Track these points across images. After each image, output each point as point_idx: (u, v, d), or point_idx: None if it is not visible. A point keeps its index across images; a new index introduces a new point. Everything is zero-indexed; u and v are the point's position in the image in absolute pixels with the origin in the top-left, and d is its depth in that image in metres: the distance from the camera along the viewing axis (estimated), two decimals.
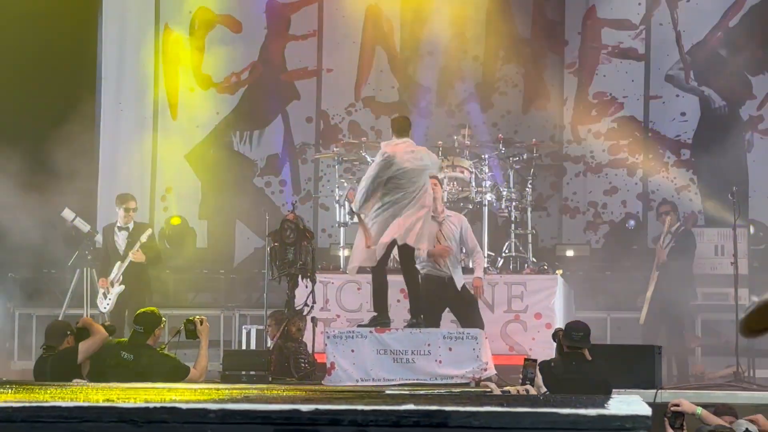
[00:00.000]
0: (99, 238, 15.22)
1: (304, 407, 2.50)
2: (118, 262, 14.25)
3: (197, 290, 16.96)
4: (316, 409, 2.47)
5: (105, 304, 14.20)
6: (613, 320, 15.43)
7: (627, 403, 2.71)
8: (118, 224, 14.39)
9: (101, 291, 14.23)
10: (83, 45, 18.14)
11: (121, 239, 14.34)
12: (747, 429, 7.21)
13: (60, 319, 13.71)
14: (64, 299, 14.93)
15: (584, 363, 10.34)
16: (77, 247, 15.14)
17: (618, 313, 15.55)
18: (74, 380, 10.01)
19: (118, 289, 14.14)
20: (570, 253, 16.18)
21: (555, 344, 10.97)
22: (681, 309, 14.01)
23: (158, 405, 2.53)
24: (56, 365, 10.41)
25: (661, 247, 14.28)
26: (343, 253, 14.31)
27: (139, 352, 10.18)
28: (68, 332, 10.66)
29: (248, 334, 14.43)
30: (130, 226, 14.37)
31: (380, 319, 11.97)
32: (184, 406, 2.53)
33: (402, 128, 11.97)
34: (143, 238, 14.23)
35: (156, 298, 15.81)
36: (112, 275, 14.18)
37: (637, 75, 17.48)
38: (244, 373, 12.07)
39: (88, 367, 10.44)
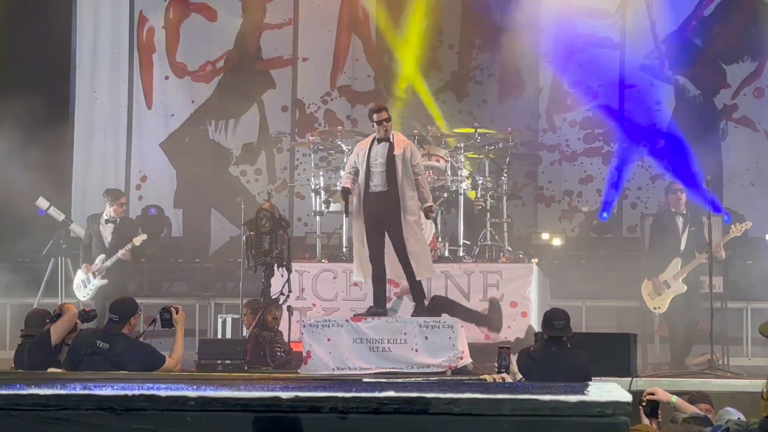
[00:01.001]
0: (74, 227, 15.17)
1: (284, 394, 2.49)
2: (102, 255, 14.26)
3: (172, 279, 16.91)
4: (296, 396, 2.46)
5: (84, 293, 14.20)
6: (588, 309, 15.47)
7: (607, 389, 2.72)
8: (106, 217, 14.39)
9: (81, 278, 14.22)
10: (57, 33, 18.05)
11: (107, 232, 14.38)
12: (729, 420, 7.23)
13: (36, 307, 13.65)
14: (39, 288, 14.87)
15: (565, 350, 10.36)
16: (51, 236, 15.08)
17: (593, 301, 15.58)
18: (49, 369, 9.97)
19: (100, 282, 14.17)
20: (545, 235, 16.19)
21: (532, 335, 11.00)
22: (696, 296, 13.76)
23: (137, 392, 2.51)
24: (32, 352, 10.37)
25: (720, 245, 13.70)
26: (318, 242, 14.28)
27: (115, 341, 10.12)
28: (47, 320, 10.61)
29: (224, 323, 14.40)
30: (118, 220, 14.43)
31: (376, 309, 12.03)
32: (163, 393, 2.52)
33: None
34: (137, 242, 14.30)
35: (131, 287, 15.80)
36: (96, 266, 14.20)
37: (612, 64, 17.51)
38: (219, 362, 12.06)
39: (65, 355, 10.40)
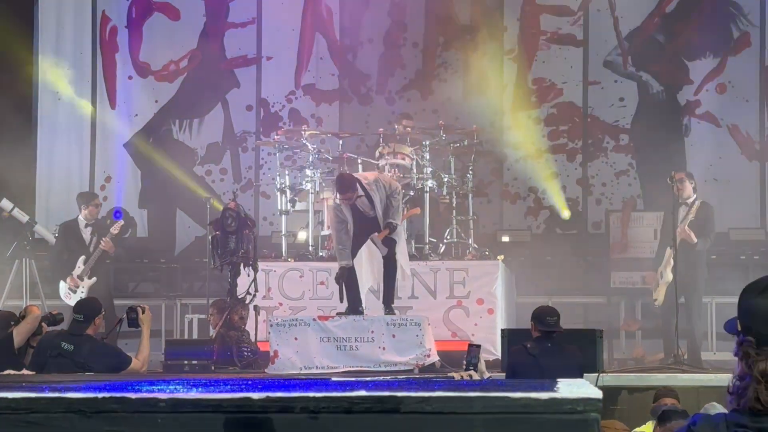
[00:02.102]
0: (38, 228, 15.11)
1: (256, 395, 2.49)
2: (82, 257, 14.33)
3: (138, 280, 16.85)
4: (268, 396, 2.46)
5: (77, 297, 14.22)
6: (554, 304, 15.44)
7: (577, 386, 2.73)
8: (84, 221, 14.50)
9: (67, 287, 14.26)
10: (19, 33, 17.92)
11: (87, 234, 14.51)
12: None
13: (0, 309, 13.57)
14: (3, 290, 14.77)
15: (560, 346, 10.41)
16: (15, 237, 15.00)
17: (559, 297, 15.62)
18: (6, 371, 9.83)
19: (90, 281, 14.26)
20: (523, 239, 16.23)
21: (498, 331, 11.00)
22: (696, 290, 13.68)
23: (107, 395, 2.50)
24: None
25: (684, 229, 13.50)
26: (284, 241, 14.26)
27: (80, 342, 10.06)
28: (12, 322, 10.53)
29: (190, 323, 14.39)
30: (94, 221, 14.57)
31: (353, 309, 12.05)
32: (133, 395, 2.51)
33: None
34: (114, 230, 14.40)
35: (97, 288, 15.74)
36: (78, 270, 14.26)
37: (575, 61, 17.57)
38: (186, 362, 12.03)
39: (29, 357, 10.32)
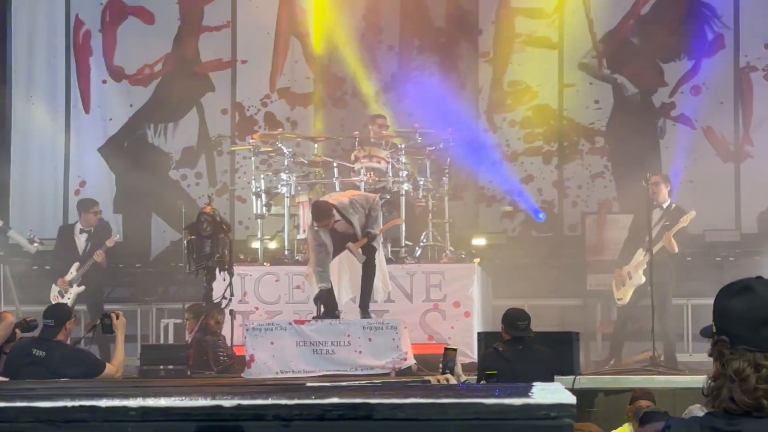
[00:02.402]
0: (12, 233, 15.05)
1: (227, 403, 2.47)
2: (76, 263, 14.41)
3: (113, 285, 16.75)
4: (239, 404, 2.43)
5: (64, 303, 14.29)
6: (530, 307, 15.46)
7: (551, 391, 2.71)
8: (81, 227, 14.57)
9: (56, 290, 14.37)
10: None
11: (81, 241, 14.64)
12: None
13: None
14: None
15: (532, 349, 10.41)
16: None
17: (535, 300, 15.64)
18: None
19: (78, 289, 14.37)
20: (499, 241, 16.26)
21: (475, 335, 11.01)
22: (667, 292, 13.76)
23: (77, 404, 2.48)
24: None
25: (670, 239, 13.62)
26: (261, 245, 14.22)
27: (51, 348, 9.97)
28: None
29: (166, 328, 14.35)
30: (92, 229, 14.66)
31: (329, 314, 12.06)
32: (103, 404, 2.49)
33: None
34: (109, 244, 14.70)
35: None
36: (70, 276, 14.36)
37: (551, 63, 17.59)
38: (162, 367, 12.00)
39: (2, 365, 10.23)
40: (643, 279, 13.66)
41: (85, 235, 14.84)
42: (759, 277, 3.20)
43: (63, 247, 14.94)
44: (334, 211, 11.94)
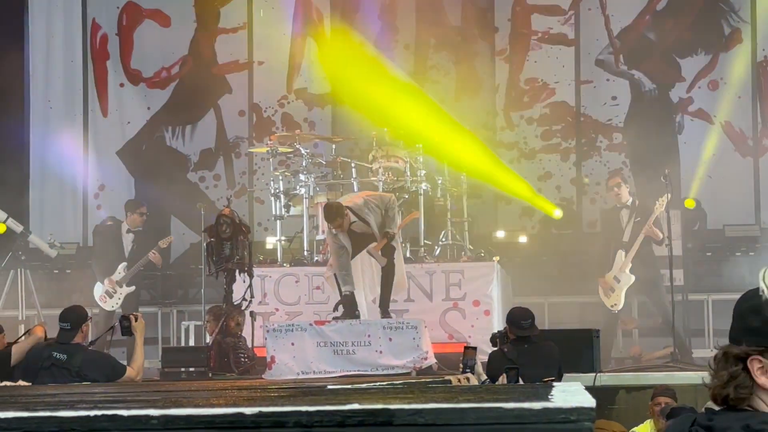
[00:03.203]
0: (32, 238, 15.11)
1: (248, 410, 2.48)
2: (124, 263, 14.57)
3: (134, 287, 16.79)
4: (260, 411, 2.45)
5: (113, 303, 14.54)
6: (550, 305, 15.53)
7: (571, 393, 2.72)
8: (128, 227, 14.71)
9: (103, 290, 14.51)
10: (10, 42, 17.92)
11: (128, 241, 14.80)
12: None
13: None
14: None
15: (536, 345, 10.41)
16: (10, 247, 14.99)
17: (555, 297, 15.65)
18: (2, 382, 9.78)
19: (128, 289, 14.54)
20: (518, 239, 16.24)
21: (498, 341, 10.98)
22: (657, 286, 13.85)
23: (99, 413, 2.50)
24: None
25: (651, 227, 13.83)
26: (280, 246, 14.25)
27: (72, 351, 9.98)
28: None
29: (186, 330, 14.38)
30: (139, 230, 14.82)
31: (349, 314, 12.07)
32: (125, 413, 2.50)
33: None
34: (163, 244, 15.05)
35: (92, 297, 15.74)
36: (119, 276, 14.52)
37: (567, 60, 17.58)
38: (183, 369, 12.02)
39: (20, 369, 10.23)
40: (633, 278, 13.84)
41: (131, 236, 15.02)
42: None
43: (107, 247, 15.09)
44: (348, 212, 11.95)
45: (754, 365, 3.01)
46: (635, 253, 13.84)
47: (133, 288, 14.80)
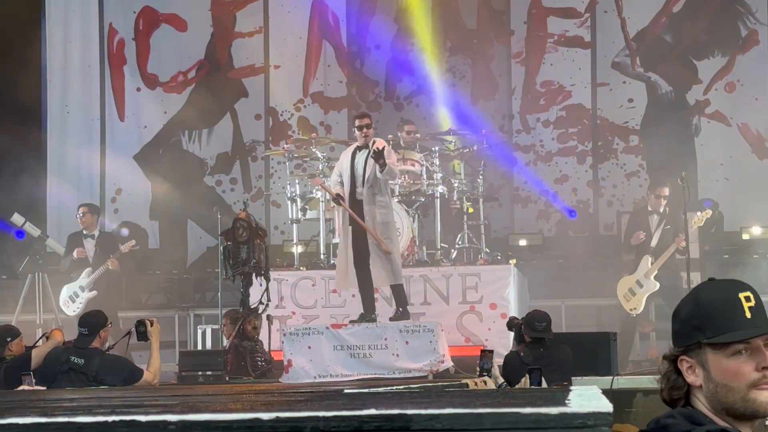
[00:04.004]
0: (50, 242, 15.15)
1: (265, 415, 2.49)
2: (88, 269, 14.45)
3: (151, 291, 16.86)
4: (277, 417, 2.46)
5: (74, 308, 14.33)
6: (567, 308, 15.50)
7: (588, 398, 2.72)
8: (85, 232, 14.63)
9: (68, 294, 14.40)
10: (27, 47, 17.99)
11: (89, 246, 14.64)
12: None
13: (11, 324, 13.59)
14: (16, 304, 14.81)
15: (551, 349, 10.41)
16: (27, 252, 15.04)
17: (572, 300, 15.62)
18: (20, 387, 9.80)
19: (89, 294, 14.32)
20: (535, 242, 16.23)
21: (512, 333, 11.04)
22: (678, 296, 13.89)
23: (117, 418, 2.51)
24: (9, 373, 10.25)
25: (680, 240, 13.79)
26: (296, 249, 14.26)
27: (89, 356, 10.01)
28: (8, 338, 10.48)
29: (203, 334, 14.39)
30: (95, 234, 14.65)
31: (369, 316, 12.04)
32: (143, 418, 2.52)
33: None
34: (124, 249, 14.69)
35: (116, 299, 15.84)
36: (83, 281, 14.40)
37: (583, 63, 17.56)
38: (200, 373, 12.03)
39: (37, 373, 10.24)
40: (657, 285, 13.82)
41: (91, 241, 14.79)
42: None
43: (69, 254, 14.93)
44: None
45: (683, 365, 3.12)
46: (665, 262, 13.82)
47: (95, 293, 14.55)
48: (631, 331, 14.25)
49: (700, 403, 3.10)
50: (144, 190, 17.95)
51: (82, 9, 18.24)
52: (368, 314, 12.14)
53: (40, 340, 10.62)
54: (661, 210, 14.11)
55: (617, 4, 17.47)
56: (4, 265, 16.34)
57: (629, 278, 14.07)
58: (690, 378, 3.11)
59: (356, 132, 12.21)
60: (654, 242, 13.99)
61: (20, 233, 15.66)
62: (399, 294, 12.26)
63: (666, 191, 14.18)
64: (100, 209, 15.22)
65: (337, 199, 12.10)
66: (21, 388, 9.56)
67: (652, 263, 13.88)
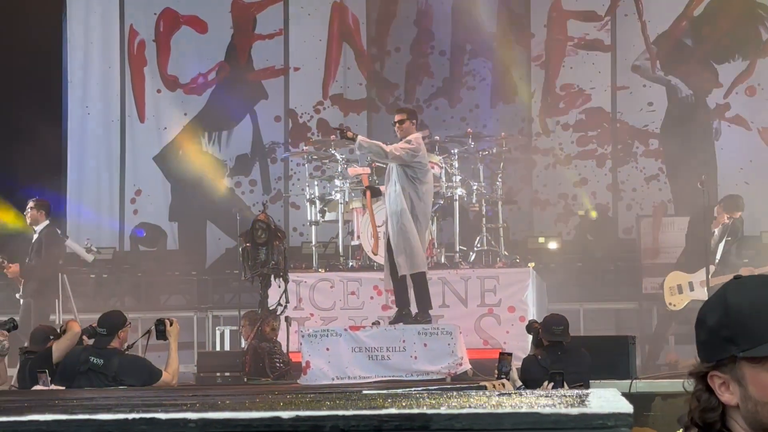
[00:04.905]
0: (69, 243, 15.17)
1: (285, 414, 2.49)
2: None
3: (170, 292, 16.90)
4: (297, 416, 2.46)
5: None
6: (586, 311, 15.47)
7: (608, 399, 2.71)
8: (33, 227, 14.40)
9: None
10: (48, 48, 18.07)
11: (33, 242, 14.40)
12: None
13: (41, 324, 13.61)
14: None
15: (569, 353, 10.40)
16: None
17: (591, 304, 15.59)
18: (35, 386, 9.81)
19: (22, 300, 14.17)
20: (553, 245, 16.17)
21: (531, 336, 11.03)
22: None
23: (137, 416, 2.51)
24: (34, 369, 10.28)
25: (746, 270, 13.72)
26: (315, 251, 14.27)
27: (108, 356, 10.03)
28: (51, 336, 10.53)
29: (222, 335, 14.41)
30: (37, 229, 14.32)
31: (405, 312, 12.01)
32: (163, 416, 2.52)
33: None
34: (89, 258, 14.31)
35: (129, 302, 15.83)
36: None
37: (603, 66, 17.53)
38: (219, 374, 12.06)
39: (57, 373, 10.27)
40: (706, 297, 13.68)
41: (35, 236, 14.43)
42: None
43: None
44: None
45: (715, 382, 2.64)
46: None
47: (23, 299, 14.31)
48: (665, 329, 14.13)
49: (738, 426, 2.64)
50: (163, 191, 18.00)
51: (104, 10, 18.30)
52: (401, 310, 12.02)
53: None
54: (726, 221, 13.94)
55: (638, 8, 17.44)
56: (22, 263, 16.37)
57: (683, 275, 13.94)
58: (725, 397, 2.62)
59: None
60: (718, 255, 13.86)
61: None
62: (417, 286, 12.04)
63: (739, 215, 14.02)
64: (48, 205, 14.63)
65: (370, 190, 12.15)
66: (37, 387, 9.59)
67: (713, 275, 13.74)
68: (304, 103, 18.00)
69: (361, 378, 11.53)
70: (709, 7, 17.34)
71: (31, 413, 2.55)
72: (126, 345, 10.37)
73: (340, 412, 2.40)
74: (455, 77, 17.81)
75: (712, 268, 13.79)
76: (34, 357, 10.43)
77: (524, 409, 2.38)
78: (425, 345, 11.63)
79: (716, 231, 13.93)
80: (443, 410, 2.39)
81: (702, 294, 13.77)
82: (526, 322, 13.05)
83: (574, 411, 2.36)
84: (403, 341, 11.68)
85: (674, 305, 13.94)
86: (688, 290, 13.83)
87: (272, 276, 12.58)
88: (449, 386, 10.37)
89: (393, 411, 2.39)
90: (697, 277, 13.87)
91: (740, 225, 13.78)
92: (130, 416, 2.45)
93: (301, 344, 11.92)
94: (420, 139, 11.98)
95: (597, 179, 17.33)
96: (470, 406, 2.44)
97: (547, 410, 2.38)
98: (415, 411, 2.40)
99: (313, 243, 14.38)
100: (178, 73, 18.17)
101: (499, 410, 2.38)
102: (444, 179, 13.84)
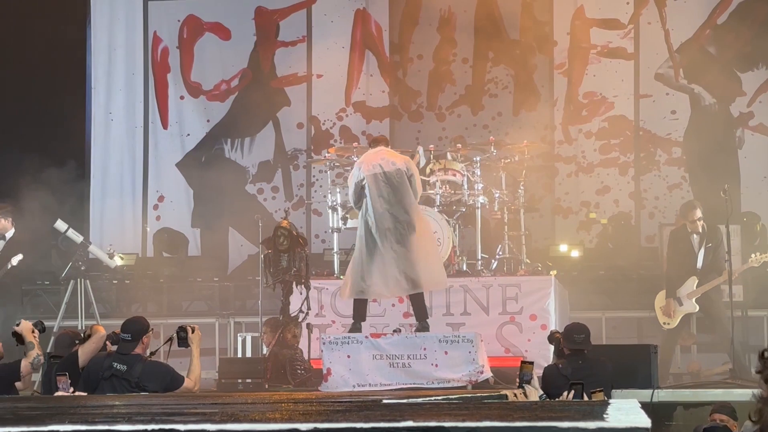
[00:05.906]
0: (92, 248, 15.20)
1: (303, 426, 2.50)
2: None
3: (191, 299, 16.93)
4: (315, 428, 2.46)
5: None
6: (608, 320, 15.44)
7: (626, 412, 2.71)
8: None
9: None
10: (72, 54, 18.14)
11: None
12: None
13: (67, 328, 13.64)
14: (59, 311, 14.89)
15: (590, 362, 10.37)
16: (70, 258, 15.12)
17: (613, 312, 15.55)
18: (55, 393, 9.83)
19: None
20: (575, 253, 16.13)
21: (552, 346, 11.02)
22: (722, 324, 13.79)
23: (156, 427, 2.52)
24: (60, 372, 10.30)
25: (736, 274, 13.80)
26: (336, 258, 14.27)
27: (131, 362, 10.06)
28: (76, 341, 10.57)
29: (244, 341, 14.42)
30: (6, 236, 14.34)
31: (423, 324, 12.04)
32: (182, 427, 2.53)
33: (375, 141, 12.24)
34: (14, 262, 14.22)
35: (151, 308, 15.87)
36: None
37: (626, 74, 17.49)
38: (240, 380, 12.07)
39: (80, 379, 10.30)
40: (696, 308, 13.72)
41: (2, 242, 14.42)
42: None
43: None
44: None
45: None
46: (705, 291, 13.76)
47: None
48: (672, 344, 14.15)
49: None
50: (186, 197, 18.05)
51: (127, 17, 18.37)
52: (418, 322, 12.07)
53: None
54: (700, 230, 13.93)
55: (661, 16, 17.40)
56: (47, 271, 16.44)
57: (671, 294, 13.97)
58: None
59: None
60: (699, 263, 13.84)
61: None
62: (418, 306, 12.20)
63: (698, 213, 13.97)
64: (11, 212, 14.61)
65: None
66: (57, 394, 9.61)
67: (697, 285, 13.76)
68: (327, 110, 18.01)
69: (381, 385, 11.53)
70: (733, 15, 17.28)
71: (52, 422, 2.56)
72: (149, 351, 10.39)
73: (358, 425, 2.40)
74: (478, 85, 17.79)
75: (695, 279, 13.79)
76: (59, 362, 10.46)
77: (542, 422, 2.38)
78: (446, 353, 11.62)
79: (695, 238, 13.89)
80: (461, 423, 2.39)
81: (691, 307, 13.78)
82: (548, 331, 13.03)
83: (592, 425, 2.36)
84: (424, 349, 11.68)
85: (668, 324, 13.95)
86: (677, 306, 13.83)
87: (294, 283, 12.60)
88: (470, 394, 10.35)
89: (410, 423, 2.39)
90: (684, 290, 13.85)
91: (717, 230, 13.70)
92: (149, 427, 2.46)
93: (322, 351, 11.92)
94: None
95: (619, 187, 17.29)
96: (488, 419, 2.45)
97: (565, 424, 2.37)
98: (433, 424, 2.41)
99: (335, 250, 14.38)
100: (202, 79, 18.22)
101: (517, 423, 2.38)
102: (466, 187, 13.83)
